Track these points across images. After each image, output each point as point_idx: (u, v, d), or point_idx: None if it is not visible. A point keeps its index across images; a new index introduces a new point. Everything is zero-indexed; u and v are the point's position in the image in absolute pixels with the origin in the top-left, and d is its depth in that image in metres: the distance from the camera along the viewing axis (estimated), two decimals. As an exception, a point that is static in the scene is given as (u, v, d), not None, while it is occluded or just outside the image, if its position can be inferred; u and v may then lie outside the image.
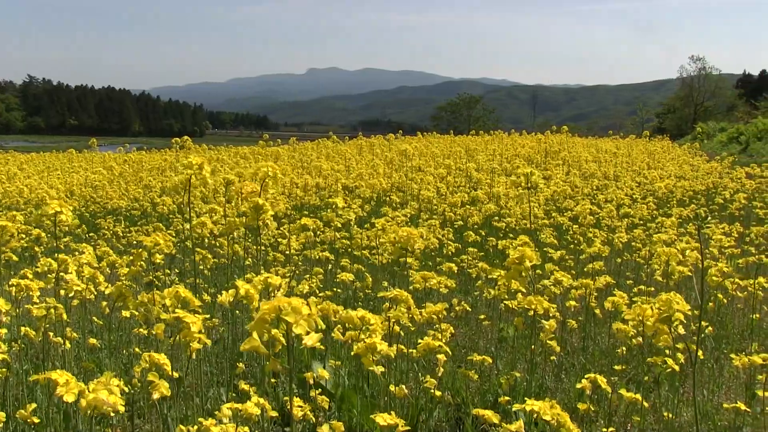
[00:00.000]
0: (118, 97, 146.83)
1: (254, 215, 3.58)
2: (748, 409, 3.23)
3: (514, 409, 2.17)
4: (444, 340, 3.54)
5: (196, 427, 2.23)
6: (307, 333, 1.64)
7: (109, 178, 16.03)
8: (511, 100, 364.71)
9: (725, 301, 5.45)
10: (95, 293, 3.94)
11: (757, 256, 6.21)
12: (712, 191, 13.56)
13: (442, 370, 3.20)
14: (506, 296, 4.48)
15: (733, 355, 3.43)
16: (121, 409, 1.96)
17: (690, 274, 4.44)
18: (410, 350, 3.27)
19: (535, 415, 2.05)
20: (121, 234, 9.56)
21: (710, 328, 4.80)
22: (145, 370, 2.41)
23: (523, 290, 3.50)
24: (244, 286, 2.76)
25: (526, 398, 2.12)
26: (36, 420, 2.41)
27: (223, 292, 3.04)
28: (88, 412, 1.93)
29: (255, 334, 1.68)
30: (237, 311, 4.41)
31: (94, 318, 4.85)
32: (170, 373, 2.44)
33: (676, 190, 12.98)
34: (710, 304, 5.46)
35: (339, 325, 3.10)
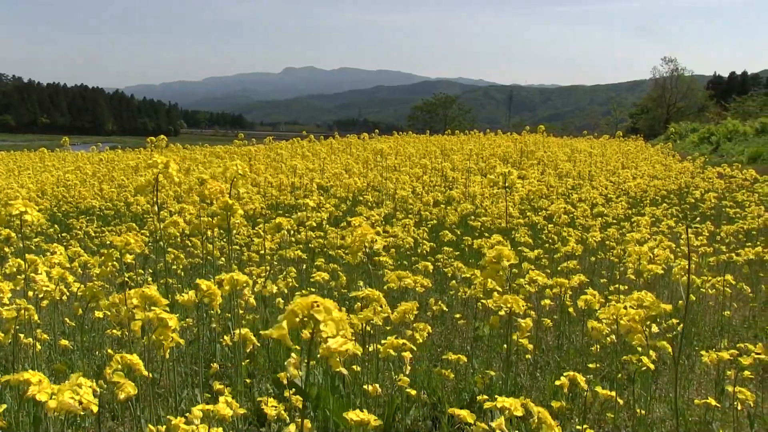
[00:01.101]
0: (92, 96, 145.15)
1: (224, 215, 3.55)
2: (717, 405, 3.28)
3: (486, 407, 2.18)
4: (421, 339, 3.55)
5: (165, 426, 2.21)
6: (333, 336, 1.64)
7: (81, 177, 15.83)
8: (487, 100, 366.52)
9: (693, 297, 5.52)
10: (67, 294, 3.89)
11: (727, 255, 6.30)
12: (684, 191, 13.74)
13: (409, 368, 3.20)
14: (482, 295, 4.49)
15: (702, 352, 3.48)
16: (95, 408, 1.93)
17: (662, 272, 4.50)
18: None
19: (507, 413, 2.06)
20: (94, 234, 9.44)
21: (681, 325, 4.86)
22: (116, 371, 2.38)
23: (500, 289, 3.52)
24: (205, 283, 2.73)
25: (498, 396, 2.13)
26: (2, 423, 2.37)
27: (184, 293, 3.01)
28: (56, 414, 1.91)
29: (285, 324, 1.68)
30: (211, 311, 4.38)
31: (66, 319, 4.78)
32: (144, 373, 2.41)
33: (649, 190, 13.14)
34: (680, 302, 5.53)
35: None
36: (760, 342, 4.21)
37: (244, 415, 3.28)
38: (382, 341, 3.01)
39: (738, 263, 6.23)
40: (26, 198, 8.56)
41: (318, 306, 1.66)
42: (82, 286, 3.92)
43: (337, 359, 2.11)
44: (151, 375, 2.64)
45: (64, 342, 4.14)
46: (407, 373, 3.17)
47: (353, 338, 2.37)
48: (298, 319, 1.66)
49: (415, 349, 3.03)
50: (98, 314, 4.20)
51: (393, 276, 3.68)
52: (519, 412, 2.03)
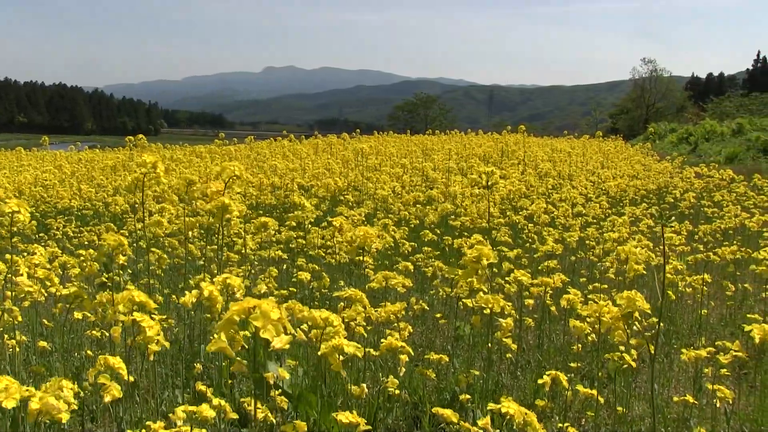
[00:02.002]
0: (70, 95, 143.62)
1: (220, 215, 3.55)
2: (695, 402, 3.32)
3: (489, 407, 2.18)
4: (403, 339, 3.56)
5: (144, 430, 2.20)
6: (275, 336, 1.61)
7: (60, 177, 15.66)
8: (467, 99, 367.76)
9: (674, 297, 5.58)
10: (45, 295, 3.85)
11: (705, 254, 6.37)
12: (663, 190, 13.88)
13: (403, 369, 3.21)
14: (462, 295, 4.50)
15: (682, 350, 3.52)
16: (66, 416, 1.91)
17: (643, 272, 4.54)
18: (367, 349, 3.27)
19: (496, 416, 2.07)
20: (72, 234, 9.34)
21: (661, 323, 4.91)
22: (99, 373, 2.36)
23: (484, 289, 3.53)
24: (209, 287, 2.72)
25: (493, 398, 2.14)
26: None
27: (186, 293, 2.99)
28: (39, 417, 1.88)
29: (222, 336, 1.65)
30: (192, 312, 4.35)
31: (44, 320, 4.73)
32: (126, 376, 2.39)
33: (628, 190, 13.25)
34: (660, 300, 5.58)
35: (304, 325, 3.08)
36: (737, 339, 4.26)
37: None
38: (376, 341, 3.02)
39: (716, 262, 6.30)
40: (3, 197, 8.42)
41: (255, 311, 1.62)
42: (62, 287, 3.87)
43: (338, 360, 2.08)
44: (132, 378, 2.62)
45: (42, 343, 4.09)
46: (401, 374, 3.18)
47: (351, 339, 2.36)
48: (236, 327, 1.63)
49: (411, 352, 3.03)
50: (77, 315, 4.16)
51: (380, 277, 3.68)
52: (519, 418, 2.03)
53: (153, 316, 2.47)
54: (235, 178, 3.71)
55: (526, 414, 2.06)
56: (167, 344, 2.43)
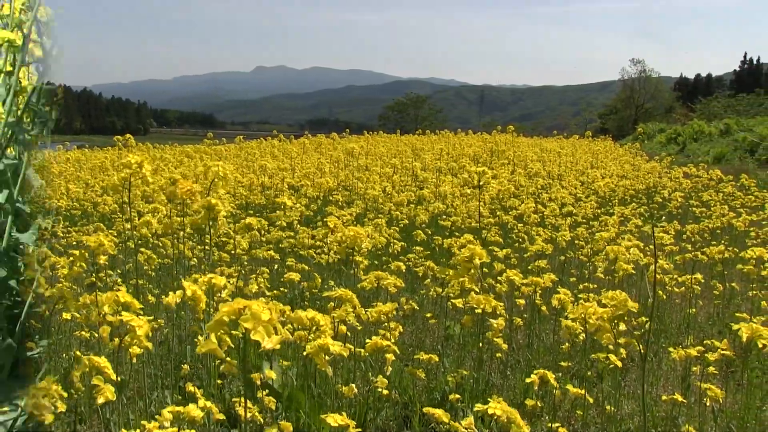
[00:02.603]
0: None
1: (206, 215, 3.53)
2: (684, 400, 3.34)
3: (476, 409, 2.18)
4: (393, 339, 3.56)
5: (138, 430, 2.19)
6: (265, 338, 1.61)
7: (47, 177, 15.57)
8: (459, 99, 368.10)
9: (664, 296, 5.61)
10: (33, 295, 3.82)
11: (693, 253, 6.40)
12: (652, 190, 13.95)
13: (390, 369, 3.21)
14: (453, 294, 4.50)
15: (671, 349, 3.54)
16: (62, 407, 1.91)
17: (632, 271, 4.56)
18: (358, 349, 3.27)
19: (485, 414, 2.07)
20: (61, 234, 9.29)
21: (649, 323, 4.93)
22: (86, 374, 2.35)
23: (475, 289, 3.54)
24: (191, 287, 2.71)
25: (483, 398, 2.15)
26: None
27: (170, 293, 2.98)
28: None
29: (213, 337, 1.64)
30: (182, 312, 4.34)
31: (32, 321, 4.70)
32: (113, 377, 2.38)
33: (617, 189, 13.30)
34: (649, 300, 5.61)
35: (288, 325, 3.08)
36: (724, 338, 4.29)
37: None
38: (366, 341, 3.02)
39: (703, 261, 6.34)
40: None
41: (245, 312, 1.61)
42: (49, 287, 3.84)
43: (323, 358, 2.08)
44: (120, 379, 2.61)
45: (31, 345, 4.06)
46: (388, 373, 3.18)
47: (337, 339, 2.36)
48: (226, 327, 1.62)
49: (398, 351, 3.03)
50: (66, 316, 4.14)
51: (372, 277, 3.68)
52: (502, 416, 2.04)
53: (140, 315, 2.46)
54: (219, 178, 3.69)
55: (509, 414, 2.06)
56: (150, 345, 2.42)
